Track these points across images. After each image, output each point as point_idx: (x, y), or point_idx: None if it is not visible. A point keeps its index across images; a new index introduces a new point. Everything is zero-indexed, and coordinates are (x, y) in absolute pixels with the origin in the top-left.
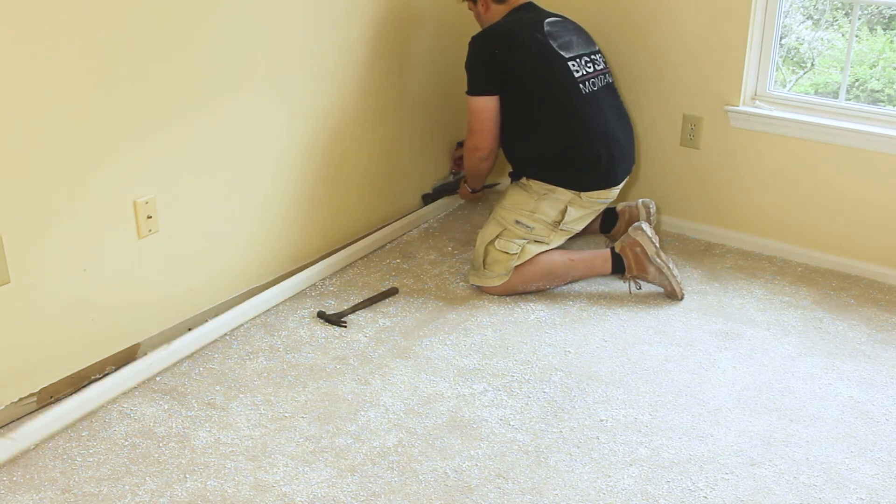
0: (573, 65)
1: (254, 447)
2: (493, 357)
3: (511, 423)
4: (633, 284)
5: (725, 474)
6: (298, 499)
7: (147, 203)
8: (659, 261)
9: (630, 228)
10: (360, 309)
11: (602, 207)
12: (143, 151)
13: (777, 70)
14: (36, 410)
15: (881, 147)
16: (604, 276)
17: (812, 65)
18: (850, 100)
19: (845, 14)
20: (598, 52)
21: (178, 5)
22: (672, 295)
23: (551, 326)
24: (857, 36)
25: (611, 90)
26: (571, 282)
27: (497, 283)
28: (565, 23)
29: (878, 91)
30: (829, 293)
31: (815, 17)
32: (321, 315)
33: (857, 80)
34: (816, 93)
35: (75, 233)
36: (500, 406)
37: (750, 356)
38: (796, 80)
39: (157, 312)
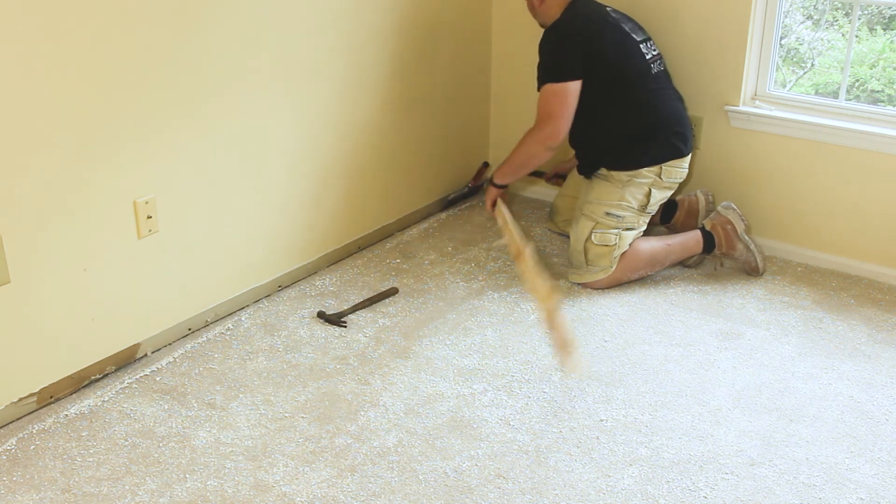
0: (643, 47)
1: (254, 447)
2: (493, 357)
3: (511, 423)
4: (717, 263)
5: (725, 474)
6: (298, 499)
7: (147, 203)
8: (747, 238)
9: (720, 207)
10: (360, 309)
11: (675, 187)
12: (143, 151)
13: (777, 70)
14: (36, 410)
15: (881, 147)
16: (696, 255)
17: (812, 65)
18: (850, 100)
19: (845, 14)
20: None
21: (180, 5)
22: (754, 271)
23: None
24: (857, 36)
25: (668, 75)
26: (669, 266)
27: (602, 276)
28: (620, 12)
29: (878, 91)
30: (829, 293)
31: (815, 17)
32: (321, 315)
33: (857, 80)
34: (816, 93)
35: (75, 233)
36: (500, 406)
37: (750, 356)
38: (796, 80)
39: (157, 312)
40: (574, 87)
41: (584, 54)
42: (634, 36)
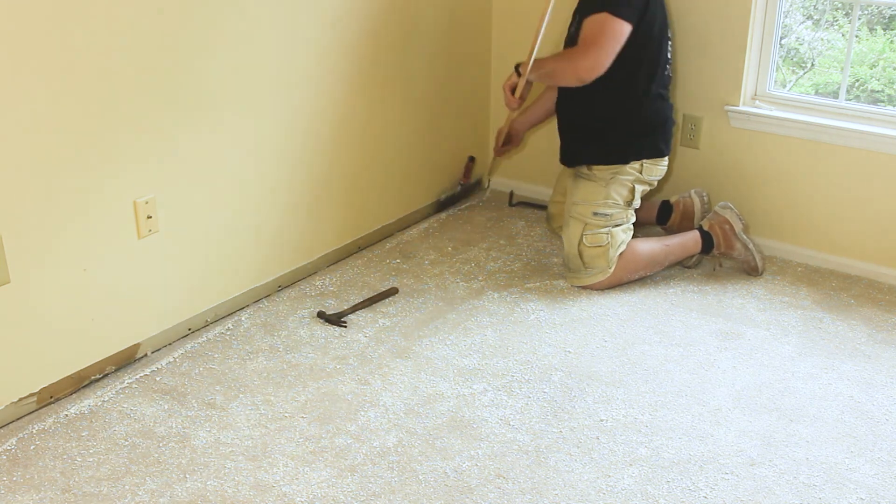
0: (668, 45)
1: (254, 447)
2: (493, 357)
3: (511, 423)
4: (716, 263)
5: (725, 474)
6: (298, 499)
7: (147, 203)
8: (745, 237)
9: (717, 207)
10: (360, 309)
11: (655, 183)
12: (143, 152)
13: (777, 70)
14: (36, 410)
15: (881, 147)
16: (695, 255)
17: (812, 65)
18: (850, 100)
19: (845, 14)
20: None
21: (179, 9)
22: (753, 270)
23: (551, 326)
24: (857, 36)
25: (671, 82)
26: (668, 266)
27: (601, 277)
28: None
29: (878, 91)
30: (829, 293)
31: (815, 17)
32: (321, 315)
33: (857, 80)
34: (816, 93)
35: (75, 233)
36: (500, 406)
37: (750, 356)
38: (796, 80)
39: (157, 312)
40: (626, 30)
41: (641, 13)
42: (668, 32)
